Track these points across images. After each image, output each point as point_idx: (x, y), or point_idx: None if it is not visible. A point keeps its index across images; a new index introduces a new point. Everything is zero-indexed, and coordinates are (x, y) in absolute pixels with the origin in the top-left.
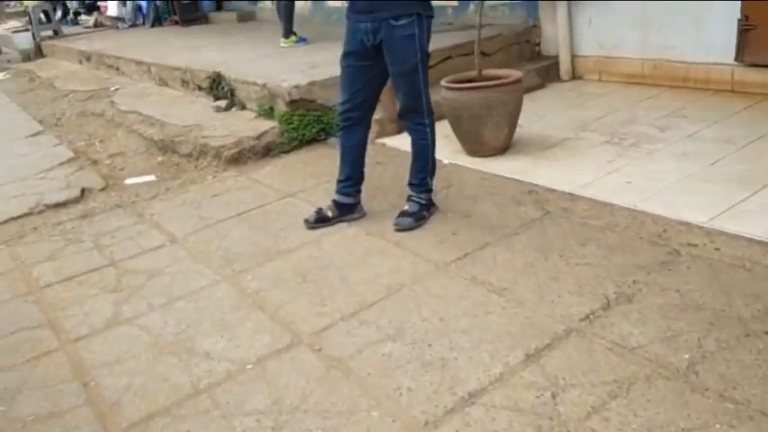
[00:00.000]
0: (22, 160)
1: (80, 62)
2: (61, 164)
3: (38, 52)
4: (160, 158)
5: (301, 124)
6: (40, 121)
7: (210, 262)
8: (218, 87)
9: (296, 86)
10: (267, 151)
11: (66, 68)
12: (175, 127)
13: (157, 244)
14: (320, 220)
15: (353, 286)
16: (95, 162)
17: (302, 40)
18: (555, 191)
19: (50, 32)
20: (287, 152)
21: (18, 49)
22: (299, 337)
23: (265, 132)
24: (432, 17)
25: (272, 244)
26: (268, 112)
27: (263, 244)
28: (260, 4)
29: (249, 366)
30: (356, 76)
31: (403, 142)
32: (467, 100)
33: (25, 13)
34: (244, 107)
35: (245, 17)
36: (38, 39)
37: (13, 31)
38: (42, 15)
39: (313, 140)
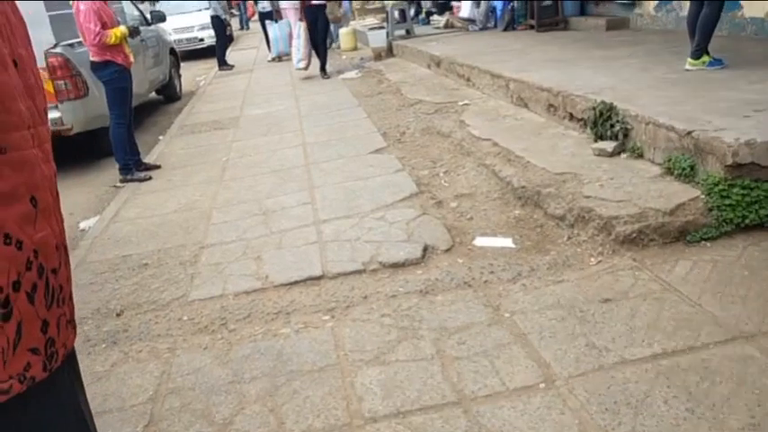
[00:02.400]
0: (362, 186)
1: (428, 66)
2: (403, 200)
3: (389, 51)
4: (518, 212)
5: (743, 200)
6: (384, 134)
7: None
8: (603, 123)
9: (748, 143)
10: (681, 234)
11: (413, 72)
12: (542, 172)
13: (526, 382)
14: None
15: None
16: (439, 203)
17: (717, 62)
18: None
19: (403, 32)
20: (712, 239)
21: (371, 47)
22: None
23: (682, 205)
24: None
25: None
26: (686, 173)
27: None
28: (638, 10)
29: None
30: None
31: None
32: None
33: (382, 9)
34: (640, 155)
35: (616, 24)
36: (391, 37)
37: (370, 29)
38: (397, 14)
39: (757, 227)
